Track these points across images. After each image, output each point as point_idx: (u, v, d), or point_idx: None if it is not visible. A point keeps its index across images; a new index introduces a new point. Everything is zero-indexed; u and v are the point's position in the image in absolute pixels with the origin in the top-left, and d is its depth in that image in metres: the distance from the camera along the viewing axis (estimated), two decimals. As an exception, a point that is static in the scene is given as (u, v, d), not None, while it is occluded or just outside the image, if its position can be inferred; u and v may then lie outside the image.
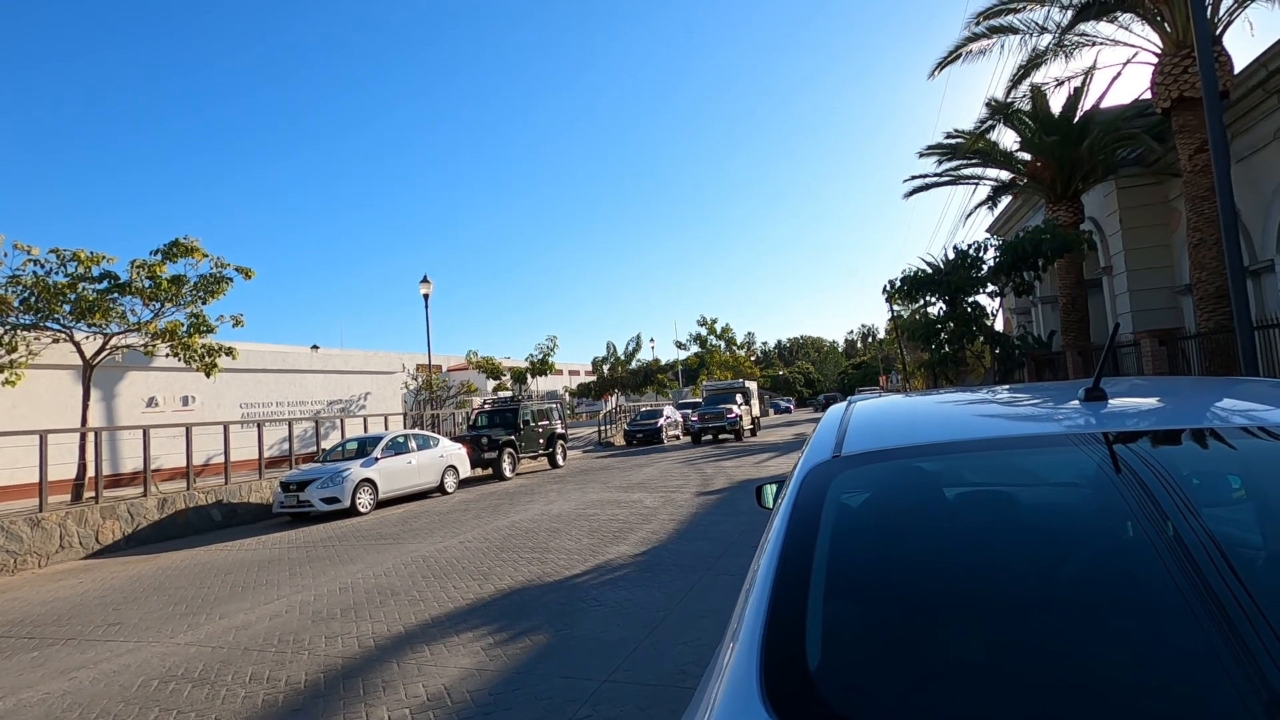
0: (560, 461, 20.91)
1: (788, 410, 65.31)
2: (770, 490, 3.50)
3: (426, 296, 22.97)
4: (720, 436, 27.04)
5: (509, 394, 30.71)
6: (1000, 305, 21.05)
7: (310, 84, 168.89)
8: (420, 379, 28.55)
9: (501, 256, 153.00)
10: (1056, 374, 17.94)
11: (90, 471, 12.68)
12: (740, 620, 1.12)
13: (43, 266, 12.78)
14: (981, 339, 18.55)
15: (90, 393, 13.73)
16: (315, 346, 31.86)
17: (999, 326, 21.92)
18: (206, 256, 14.20)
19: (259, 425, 15.83)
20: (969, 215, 23.11)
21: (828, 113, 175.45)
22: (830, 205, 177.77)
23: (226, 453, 14.50)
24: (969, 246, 18.48)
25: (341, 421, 19.81)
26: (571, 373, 57.60)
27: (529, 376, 32.99)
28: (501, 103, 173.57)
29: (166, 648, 5.59)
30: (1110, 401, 1.63)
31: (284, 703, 4.25)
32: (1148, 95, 13.62)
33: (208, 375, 14.78)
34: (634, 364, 45.26)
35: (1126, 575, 1.16)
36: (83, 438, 12.97)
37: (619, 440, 30.33)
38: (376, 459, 14.15)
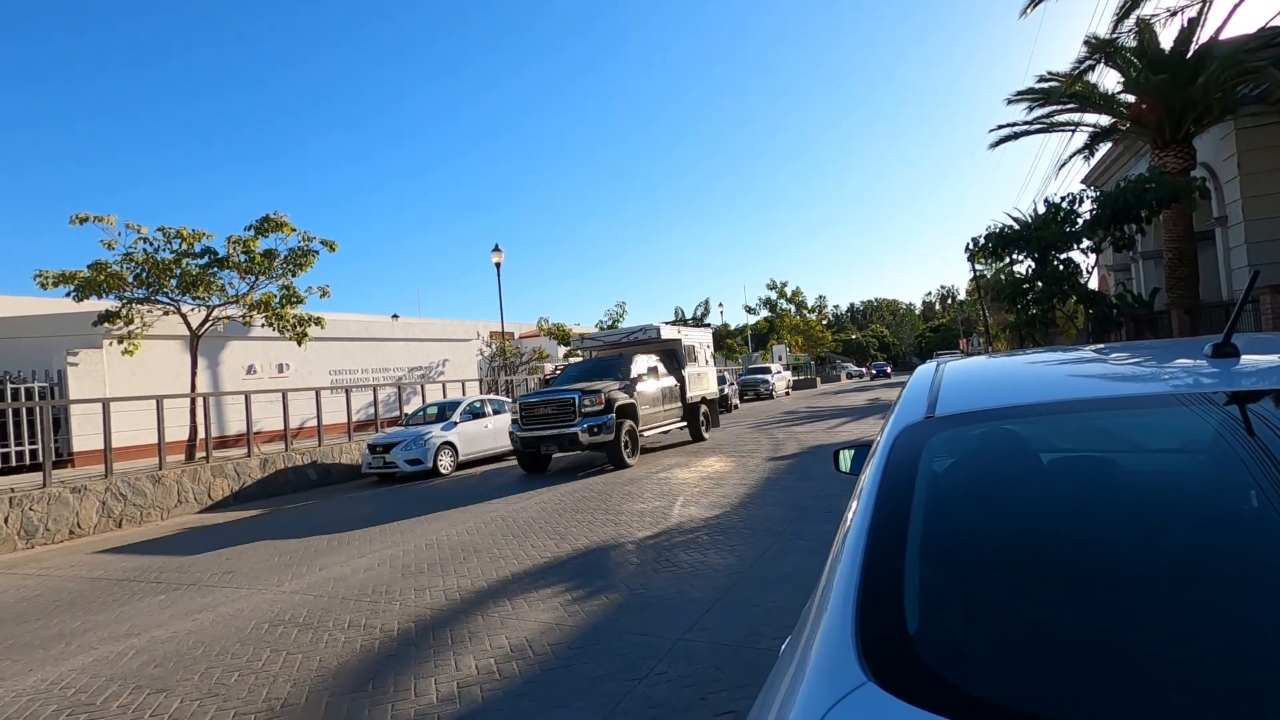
0: (630, 426, 21.15)
1: (886, 374, 61.54)
2: (847, 455, 3.43)
3: (498, 265, 23.43)
4: (597, 455, 13.09)
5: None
6: (1096, 262, 19.68)
7: (368, 50, 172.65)
8: (494, 346, 29.35)
9: (569, 222, 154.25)
10: (1159, 334, 16.69)
11: (200, 433, 13.76)
12: (831, 583, 1.10)
13: (151, 244, 13.77)
14: (1074, 299, 17.43)
15: (197, 361, 14.82)
16: (395, 315, 33.15)
17: (1094, 285, 20.54)
18: (294, 231, 14.93)
19: (347, 391, 16.71)
20: (1063, 165, 21.53)
21: (903, 61, 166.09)
22: (907, 160, 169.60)
23: (319, 416, 15.42)
24: (1062, 199, 17.30)
25: (422, 387, 20.67)
26: (640, 338, 57.88)
27: (599, 342, 33.32)
28: (563, 63, 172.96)
29: (274, 595, 6.07)
30: (1244, 358, 1.47)
31: (379, 649, 4.56)
32: (1278, 22, 12.20)
33: (299, 344, 15.66)
34: (703, 329, 45.04)
35: (1250, 547, 1.08)
36: (192, 402, 14.05)
37: None
38: (456, 423, 14.74)
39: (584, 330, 35.71)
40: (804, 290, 56.25)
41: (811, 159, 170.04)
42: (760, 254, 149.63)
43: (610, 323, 32.96)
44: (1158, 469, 1.48)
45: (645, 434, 13.58)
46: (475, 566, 6.45)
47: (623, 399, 12.79)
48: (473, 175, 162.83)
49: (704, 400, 16.46)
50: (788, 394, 37.54)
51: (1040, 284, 17.36)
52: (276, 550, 8.03)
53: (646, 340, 15.86)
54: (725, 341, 44.42)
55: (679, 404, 15.27)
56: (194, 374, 14.66)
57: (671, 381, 15.02)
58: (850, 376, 62.16)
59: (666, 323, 17.18)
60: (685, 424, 15.58)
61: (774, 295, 53.72)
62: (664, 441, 16.03)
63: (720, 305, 48.57)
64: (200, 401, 14.05)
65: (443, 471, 13.98)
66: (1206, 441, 1.31)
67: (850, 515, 1.26)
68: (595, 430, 12.09)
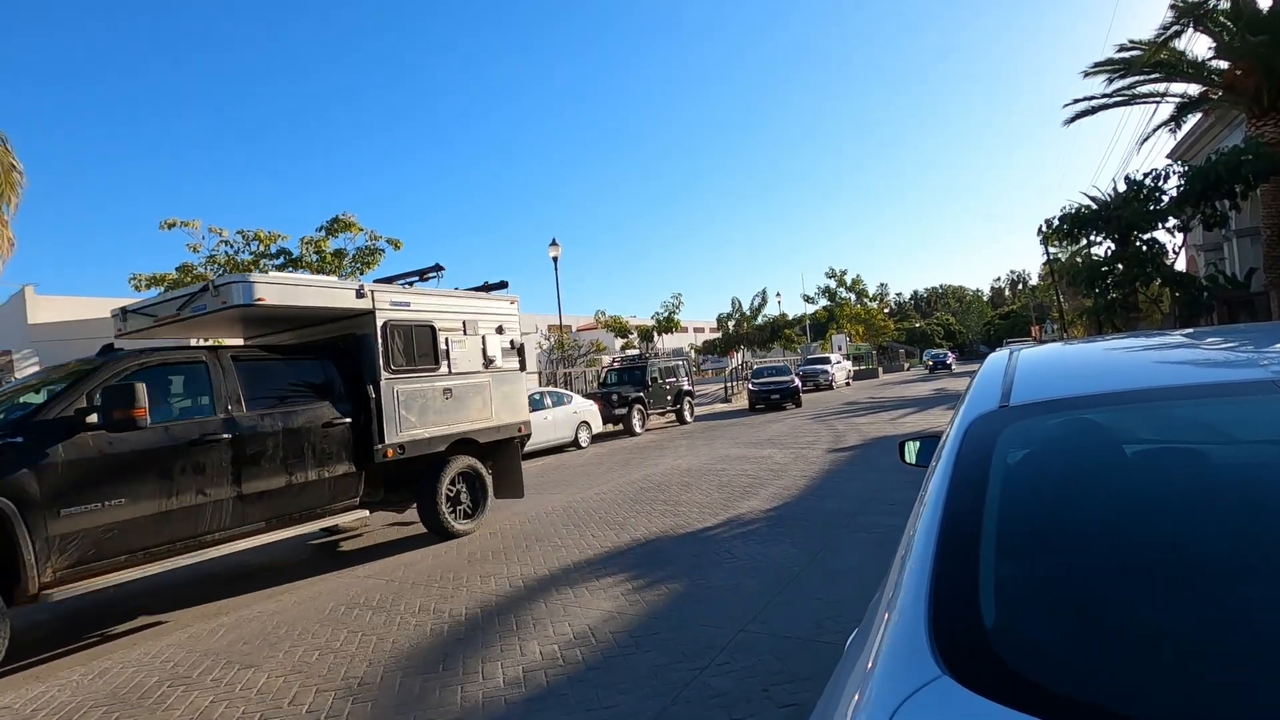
0: (688, 417, 21.17)
1: (946, 366, 46.69)
2: (913, 446, 3.35)
3: (556, 259, 23.74)
4: None
5: (636, 352, 31.32)
6: (1184, 241, 18.45)
7: (413, 47, 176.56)
8: (552, 339, 29.79)
9: (625, 212, 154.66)
10: (1256, 318, 15.56)
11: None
12: (901, 576, 1.09)
13: (231, 246, 14.57)
14: (1158, 281, 16.43)
15: (274, 357, 15.58)
16: (457, 310, 34.01)
17: (1181, 266, 19.28)
18: (362, 230, 15.52)
19: (412, 384, 17.24)
20: (1145, 140, 20.19)
21: (968, 33, 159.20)
22: (973, 139, 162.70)
23: (387, 409, 15.95)
24: (1145, 175, 16.31)
25: (483, 380, 21.16)
26: (696, 330, 57.73)
27: (655, 334, 33.42)
28: (612, 49, 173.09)
29: (349, 579, 6.36)
30: None
31: (448, 632, 4.72)
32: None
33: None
34: (760, 319, 44.49)
35: None
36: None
37: (741, 401, 27.82)
38: (516, 415, 14.95)
39: (640, 322, 35.35)
40: (864, 278, 54.87)
41: (871, 140, 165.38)
42: (819, 242, 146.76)
43: (666, 315, 32.61)
44: (1255, 461, 1.38)
45: (141, 568, 5.29)
46: (538, 554, 6.59)
47: None
48: (527, 167, 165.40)
49: (461, 443, 7.81)
50: (848, 384, 36.75)
51: (1121, 266, 16.45)
52: (349, 536, 8.39)
53: (242, 310, 6.34)
54: (783, 332, 43.77)
55: (344, 467, 6.66)
56: (272, 369, 15.43)
57: (315, 414, 6.50)
58: (930, 366, 50.23)
59: (381, 281, 8.69)
60: (371, 507, 7.18)
61: (833, 284, 52.65)
62: (362, 537, 8.23)
63: (778, 295, 47.96)
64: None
65: (504, 462, 14.25)
66: None
67: (920, 508, 1.23)
68: None
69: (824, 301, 52.29)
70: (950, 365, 47.26)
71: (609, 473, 11.83)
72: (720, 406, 27.40)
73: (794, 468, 10.41)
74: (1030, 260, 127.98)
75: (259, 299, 6.20)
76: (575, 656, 4.10)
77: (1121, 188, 16.53)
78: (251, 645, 4.83)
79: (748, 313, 44.76)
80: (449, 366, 7.77)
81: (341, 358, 7.13)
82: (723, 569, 5.58)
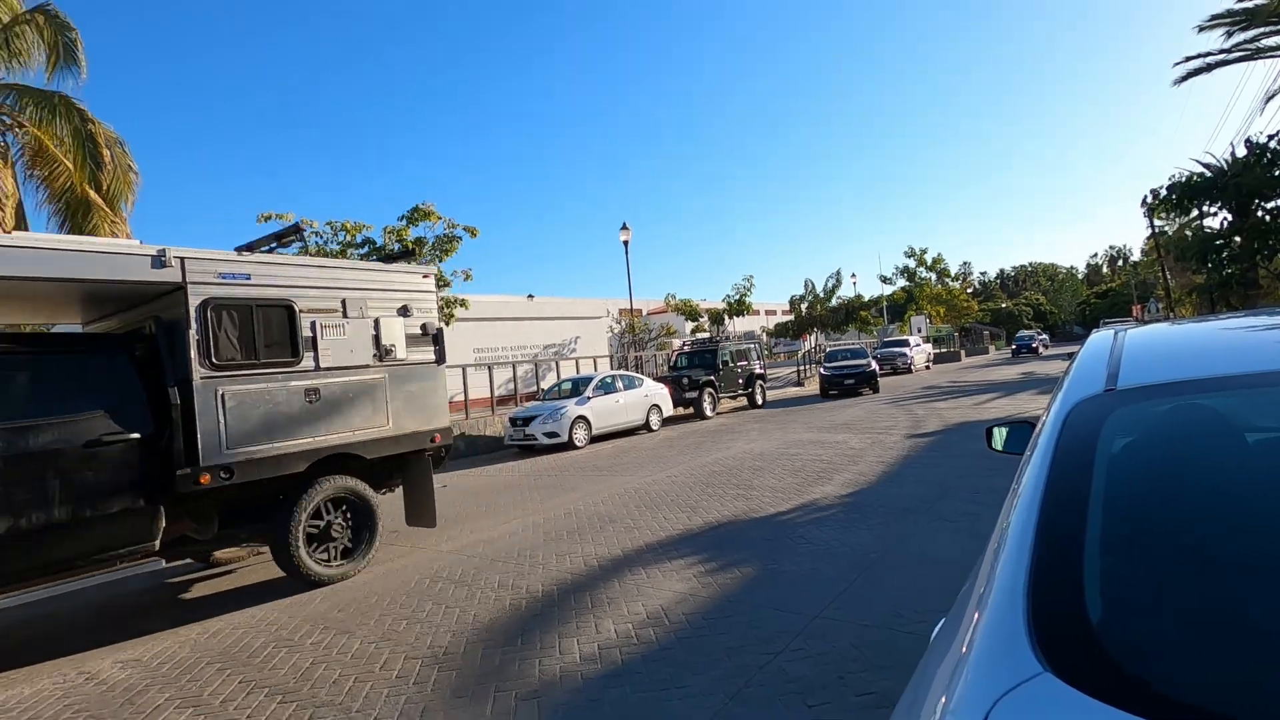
0: (759, 401, 20.94)
1: (1032, 350, 40.47)
2: (1001, 432, 3.20)
3: (626, 243, 23.81)
4: None
5: (707, 335, 31.14)
6: (1315, 210, 16.72)
7: (473, 29, 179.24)
8: (623, 323, 30.03)
9: (696, 197, 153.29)
10: (1401, 294, 13.96)
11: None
12: (995, 568, 1.04)
13: (321, 237, 15.33)
14: (1284, 254, 14.95)
15: (361, 342, 16.35)
16: (530, 295, 34.75)
17: (1311, 237, 17.49)
18: (441, 219, 16.02)
19: (489, 368, 17.84)
20: (1271, 97, 18.32)
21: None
22: (1066, 105, 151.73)
23: (465, 391, 16.58)
24: (1270, 137, 14.83)
25: (556, 363, 21.63)
26: (768, 312, 56.76)
27: (726, 317, 33.10)
28: (680, 25, 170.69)
29: (433, 554, 6.66)
30: None
31: (526, 608, 4.88)
32: None
33: (447, 324, 16.85)
34: (834, 301, 43.25)
35: None
36: (359, 379, 15.48)
37: (814, 385, 26.80)
38: (589, 398, 15.29)
39: (711, 305, 35.18)
40: (946, 257, 52.35)
41: (954, 110, 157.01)
42: (897, 221, 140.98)
43: (737, 298, 32.19)
44: None
45: None
46: (611, 535, 6.70)
47: None
48: (598, 151, 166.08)
49: (337, 459, 6.18)
50: (928, 368, 35.39)
51: (1239, 239, 15.07)
52: (433, 513, 8.77)
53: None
54: (859, 314, 42.45)
55: (125, 501, 4.94)
56: (358, 353, 16.21)
57: (72, 429, 4.77)
58: (1013, 350, 43.08)
59: (245, 249, 6.38)
60: (199, 552, 6.01)
61: (912, 263, 50.59)
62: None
63: (853, 276, 46.39)
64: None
65: (578, 444, 14.58)
66: None
67: (1015, 497, 1.17)
68: None
69: (902, 282, 50.31)
70: (1037, 349, 41.14)
71: (680, 455, 11.87)
72: (792, 391, 26.93)
73: (870, 453, 10.14)
74: (1132, 234, 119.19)
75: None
76: (649, 636, 4.16)
77: (1241, 152, 15.11)
78: (346, 613, 5.14)
79: (821, 294, 43.55)
80: (315, 359, 5.99)
81: (143, 351, 5.35)
82: (797, 554, 5.52)
